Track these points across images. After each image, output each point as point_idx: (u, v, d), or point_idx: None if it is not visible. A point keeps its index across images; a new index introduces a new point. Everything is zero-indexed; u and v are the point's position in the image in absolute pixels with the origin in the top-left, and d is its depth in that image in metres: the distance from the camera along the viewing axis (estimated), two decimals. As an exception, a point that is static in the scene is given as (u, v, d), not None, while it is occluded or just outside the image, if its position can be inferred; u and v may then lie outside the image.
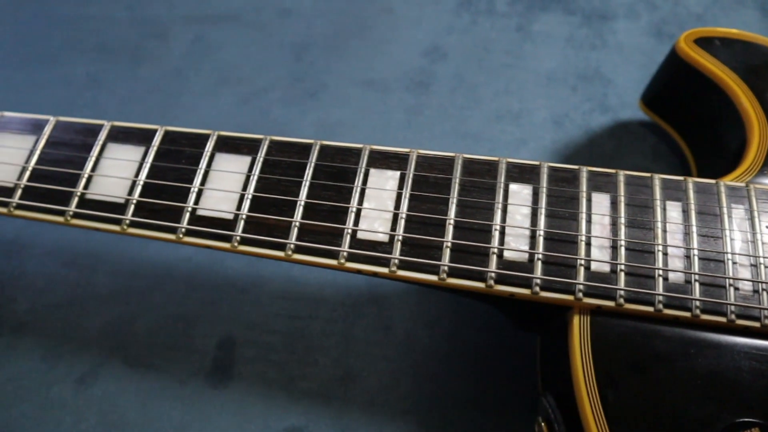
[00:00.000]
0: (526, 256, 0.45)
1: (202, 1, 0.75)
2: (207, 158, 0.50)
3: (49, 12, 0.77)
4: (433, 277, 0.45)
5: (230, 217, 0.47)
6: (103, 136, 0.52)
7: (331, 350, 0.55)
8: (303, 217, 0.47)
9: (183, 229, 0.47)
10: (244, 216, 0.47)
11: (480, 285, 0.45)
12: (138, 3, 0.76)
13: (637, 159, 0.62)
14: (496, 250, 0.45)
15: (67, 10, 0.77)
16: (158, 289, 0.60)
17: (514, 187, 0.48)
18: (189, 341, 0.57)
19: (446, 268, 0.45)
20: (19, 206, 0.50)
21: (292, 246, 0.46)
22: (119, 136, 0.52)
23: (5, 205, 0.50)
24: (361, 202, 0.47)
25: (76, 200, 0.49)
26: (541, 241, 0.45)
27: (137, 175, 0.49)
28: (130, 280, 0.60)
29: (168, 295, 0.59)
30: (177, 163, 0.50)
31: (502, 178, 0.48)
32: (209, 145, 0.50)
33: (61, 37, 0.75)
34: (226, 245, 0.47)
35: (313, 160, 0.49)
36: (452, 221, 0.46)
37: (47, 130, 0.53)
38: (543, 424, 0.46)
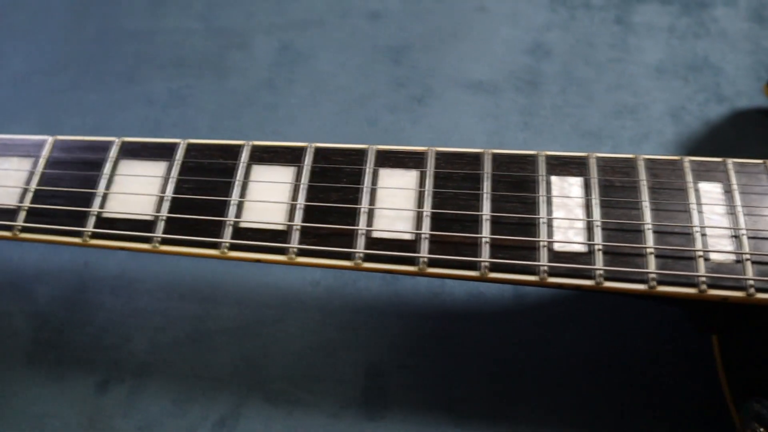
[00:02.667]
0: (733, 257, 0.42)
1: (280, 7, 0.71)
2: (370, 175, 0.46)
3: (116, 27, 0.72)
4: (641, 287, 0.42)
5: (411, 237, 0.44)
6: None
7: (489, 366, 0.52)
8: (491, 232, 0.43)
9: (361, 254, 0.43)
10: (426, 235, 0.43)
11: (691, 291, 0.42)
12: (212, 13, 0.71)
13: (764, 147, 0.60)
14: (701, 253, 0.42)
15: (136, 24, 0.72)
16: (290, 317, 0.56)
17: (704, 186, 0.45)
18: (333, 371, 0.54)
19: (654, 275, 0.42)
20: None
21: (486, 264, 0.42)
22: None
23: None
24: (550, 212, 0.44)
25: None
26: (746, 241, 0.43)
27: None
28: (257, 311, 0.56)
29: (302, 324, 0.55)
30: (337, 182, 0.46)
31: (690, 178, 0.45)
32: (370, 160, 0.46)
33: (134, 53, 0.70)
34: (412, 268, 0.43)
35: (489, 170, 0.46)
36: (650, 226, 0.43)
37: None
38: (762, 429, 0.43)
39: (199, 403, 0.53)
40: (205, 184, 0.47)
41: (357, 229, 0.44)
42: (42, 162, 0.50)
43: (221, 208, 0.46)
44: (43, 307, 0.58)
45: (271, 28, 0.70)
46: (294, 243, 0.44)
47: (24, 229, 0.47)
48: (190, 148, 0.49)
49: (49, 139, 0.51)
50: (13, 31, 0.73)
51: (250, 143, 0.48)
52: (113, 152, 0.49)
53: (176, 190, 0.47)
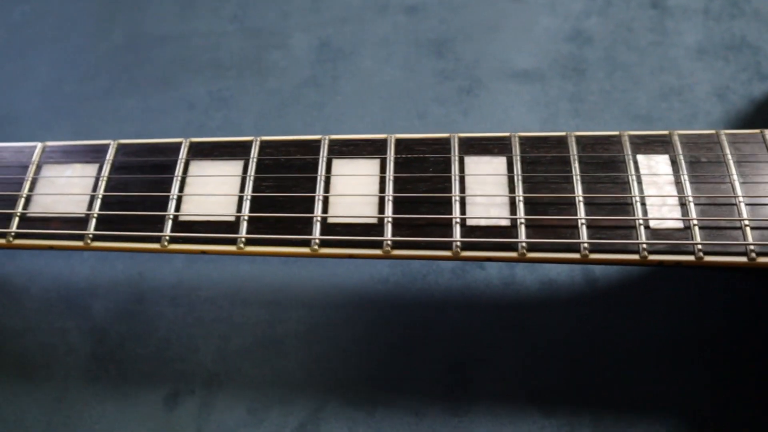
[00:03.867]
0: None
1: (315, 6, 0.70)
2: (457, 163, 0.45)
3: (145, 32, 0.70)
4: (742, 259, 0.42)
5: (507, 223, 0.43)
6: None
7: (567, 354, 0.51)
8: (587, 214, 0.43)
9: (458, 243, 0.42)
10: (522, 220, 0.42)
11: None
12: (245, 14, 0.70)
13: (811, 123, 0.61)
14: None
15: (165, 28, 0.70)
16: (361, 317, 0.54)
17: None
18: (411, 369, 0.52)
19: (753, 247, 0.42)
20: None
21: (587, 246, 0.42)
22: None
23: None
24: (642, 190, 0.43)
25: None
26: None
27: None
28: (327, 312, 0.55)
29: (375, 323, 0.54)
30: (424, 172, 0.44)
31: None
32: (454, 148, 0.45)
33: (167, 58, 0.68)
34: (512, 254, 0.42)
35: (575, 152, 0.45)
36: (742, 199, 0.43)
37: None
38: None
39: (275, 410, 0.51)
40: (286, 180, 0.46)
41: (453, 218, 0.43)
42: (107, 167, 0.47)
43: (307, 205, 0.44)
44: (100, 322, 0.55)
45: (308, 26, 0.68)
46: (388, 235, 0.43)
47: (96, 237, 0.45)
48: (264, 145, 0.47)
49: (112, 143, 0.48)
50: (39, 41, 0.71)
51: (328, 137, 0.47)
52: (183, 153, 0.47)
53: (255, 189, 0.45)
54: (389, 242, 0.42)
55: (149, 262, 0.58)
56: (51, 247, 0.46)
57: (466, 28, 0.68)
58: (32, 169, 0.48)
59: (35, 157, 0.49)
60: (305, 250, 0.43)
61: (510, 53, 0.66)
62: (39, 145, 0.49)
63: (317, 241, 0.43)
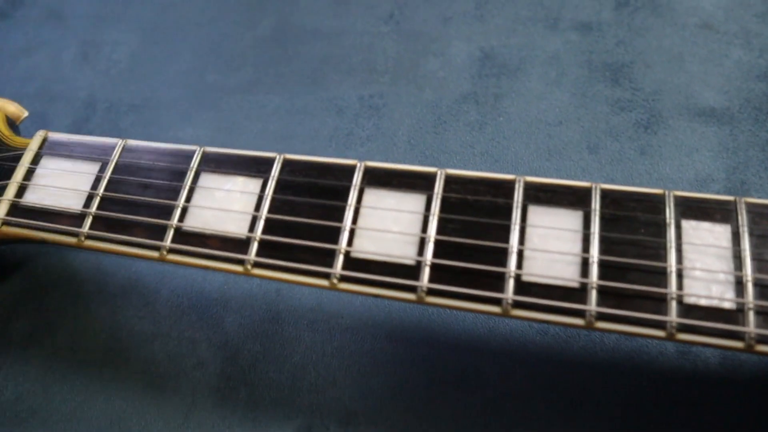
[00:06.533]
0: None
1: (480, 12, 0.63)
2: (673, 227, 0.38)
3: (295, 25, 0.65)
4: None
5: (731, 306, 0.36)
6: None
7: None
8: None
9: (674, 324, 0.35)
10: (752, 306, 0.35)
11: None
12: (402, 14, 0.64)
13: None
14: None
15: (317, 22, 0.65)
16: (518, 370, 0.48)
17: None
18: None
19: None
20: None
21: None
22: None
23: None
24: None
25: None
26: None
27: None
28: (481, 360, 0.50)
29: (532, 378, 0.48)
30: (633, 233, 0.38)
31: None
32: (670, 208, 0.38)
33: (317, 54, 0.63)
34: (737, 344, 0.35)
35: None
36: None
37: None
38: None
39: (417, 461, 0.46)
40: (473, 225, 0.40)
41: (668, 293, 0.36)
42: (272, 185, 0.43)
43: (497, 256, 0.38)
44: (233, 337, 0.51)
45: (470, 35, 0.62)
46: (592, 305, 0.36)
47: (257, 264, 0.40)
48: (450, 180, 0.41)
49: (278, 158, 0.43)
50: (184, 24, 0.66)
51: (523, 179, 0.40)
52: (357, 179, 0.42)
53: (440, 230, 0.40)
54: (593, 313, 0.36)
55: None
56: (207, 268, 0.41)
57: (647, 53, 0.60)
58: (190, 176, 0.44)
59: (194, 163, 0.44)
60: (495, 309, 0.37)
61: (695, 87, 0.58)
62: (198, 149, 0.45)
63: (510, 301, 0.37)
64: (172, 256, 0.41)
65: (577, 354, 0.49)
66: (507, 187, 0.41)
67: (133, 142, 0.46)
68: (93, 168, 0.45)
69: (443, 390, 0.49)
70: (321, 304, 0.52)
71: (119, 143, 0.46)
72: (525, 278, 0.38)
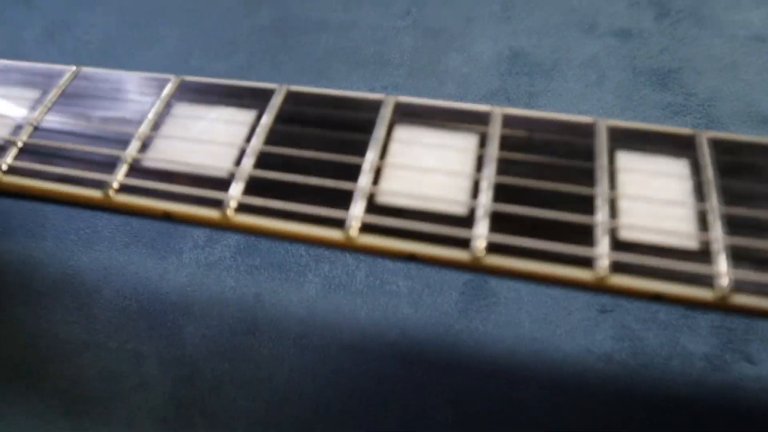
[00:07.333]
0: None
1: (507, 14, 0.56)
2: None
3: (297, 15, 0.57)
4: None
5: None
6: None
7: None
8: None
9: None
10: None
11: None
12: (420, 11, 0.57)
13: None
14: None
15: (322, 14, 0.57)
16: (571, 404, 0.35)
17: None
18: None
19: None
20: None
21: None
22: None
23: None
24: None
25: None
26: None
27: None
28: (526, 386, 0.36)
29: (587, 414, 0.35)
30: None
31: None
32: None
33: (321, 46, 0.56)
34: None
35: None
36: None
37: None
38: None
39: None
40: (545, 167, 0.29)
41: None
42: (271, 115, 0.32)
43: (581, 206, 0.27)
44: (192, 352, 0.38)
45: (497, 35, 0.55)
46: (722, 267, 0.25)
47: (242, 207, 0.28)
48: (510, 119, 0.30)
49: (279, 89, 0.33)
50: (167, 10, 0.58)
51: (605, 122, 0.30)
52: (385, 112, 0.31)
53: (500, 171, 0.28)
54: (732, 280, 0.25)
55: (271, 282, 0.41)
56: (167, 215, 0.29)
57: (696, 61, 0.53)
58: (159, 105, 0.33)
59: (167, 90, 0.33)
60: (584, 274, 0.26)
61: (754, 95, 0.50)
62: (174, 78, 0.34)
63: (605, 263, 0.25)
64: (122, 197, 0.29)
65: (651, 388, 0.37)
66: (585, 130, 0.30)
67: (89, 70, 0.35)
68: (31, 94, 0.34)
69: (476, 428, 0.35)
70: (314, 314, 0.39)
71: (71, 69, 0.35)
72: (624, 234, 0.27)
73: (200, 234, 0.43)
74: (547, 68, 0.53)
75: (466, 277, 0.41)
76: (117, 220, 0.45)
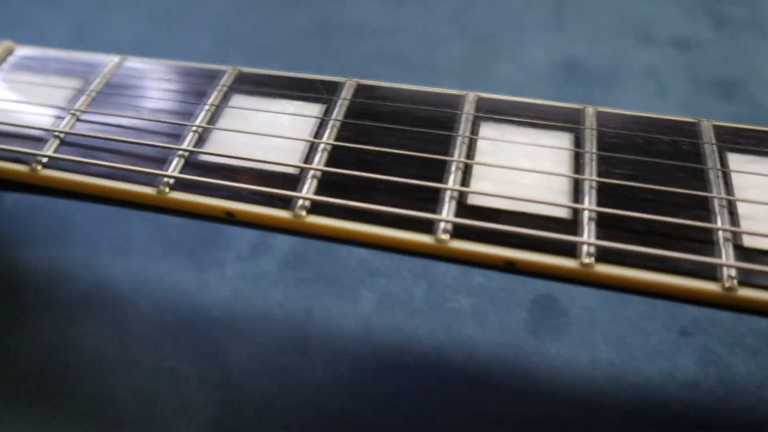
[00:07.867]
0: None
1: (557, 22, 0.53)
2: None
3: (340, 19, 0.55)
4: None
5: None
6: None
7: None
8: None
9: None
10: None
11: None
12: (465, 17, 0.54)
13: None
14: None
15: (366, 18, 0.54)
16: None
17: None
18: None
19: None
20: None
21: None
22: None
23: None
24: None
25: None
26: None
27: None
28: (598, 415, 0.32)
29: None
30: None
31: None
32: None
33: (365, 50, 0.53)
34: None
35: None
36: None
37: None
38: None
39: None
40: (648, 168, 0.26)
41: None
42: (341, 108, 0.29)
43: (695, 211, 0.24)
44: (237, 373, 0.35)
45: (549, 43, 0.52)
46: None
47: (315, 209, 0.25)
48: (605, 118, 0.28)
49: (348, 83, 0.30)
50: (200, 13, 0.55)
51: (711, 122, 0.27)
52: (467, 108, 0.28)
53: (600, 172, 0.25)
54: None
55: (322, 297, 0.37)
56: (229, 216, 0.26)
57: (761, 71, 0.50)
58: (216, 97, 0.30)
59: (223, 81, 0.30)
60: (708, 286, 0.22)
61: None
62: (230, 68, 0.31)
63: (731, 275, 0.22)
64: (177, 194, 0.26)
65: (743, 418, 0.33)
66: (689, 130, 0.27)
67: (135, 59, 0.32)
68: (71, 83, 0.31)
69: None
70: (370, 333, 0.36)
71: (114, 58, 0.32)
72: (748, 242, 0.23)
73: (244, 244, 0.40)
74: (604, 78, 0.50)
75: (534, 294, 0.38)
76: (152, 227, 0.41)
